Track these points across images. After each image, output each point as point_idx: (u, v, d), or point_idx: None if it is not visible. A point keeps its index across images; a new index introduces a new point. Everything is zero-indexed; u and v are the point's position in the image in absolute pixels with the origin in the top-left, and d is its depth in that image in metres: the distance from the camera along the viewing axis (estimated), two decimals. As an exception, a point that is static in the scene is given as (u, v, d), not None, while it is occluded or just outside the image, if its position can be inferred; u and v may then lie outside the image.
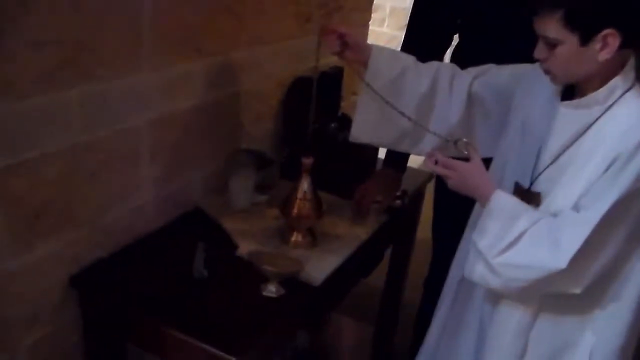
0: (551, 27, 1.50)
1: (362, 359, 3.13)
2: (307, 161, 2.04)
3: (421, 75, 1.96)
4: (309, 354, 2.96)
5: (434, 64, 2.00)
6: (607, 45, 1.47)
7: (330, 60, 2.91)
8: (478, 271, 1.67)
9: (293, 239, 2.09)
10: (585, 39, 1.48)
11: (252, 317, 1.75)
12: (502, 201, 1.64)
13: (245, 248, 1.99)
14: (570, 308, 1.69)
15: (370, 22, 3.57)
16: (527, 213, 1.62)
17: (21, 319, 1.74)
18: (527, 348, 1.75)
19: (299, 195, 2.04)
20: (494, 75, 1.94)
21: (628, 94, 1.55)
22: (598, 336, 1.69)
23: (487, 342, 1.81)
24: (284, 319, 1.79)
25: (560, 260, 1.52)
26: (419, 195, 2.82)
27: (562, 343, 1.73)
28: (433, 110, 1.98)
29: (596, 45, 1.48)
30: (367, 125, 2.02)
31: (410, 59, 1.99)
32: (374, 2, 3.67)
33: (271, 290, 1.82)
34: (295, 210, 2.04)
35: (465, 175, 1.69)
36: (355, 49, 1.92)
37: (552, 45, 1.53)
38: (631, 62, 1.57)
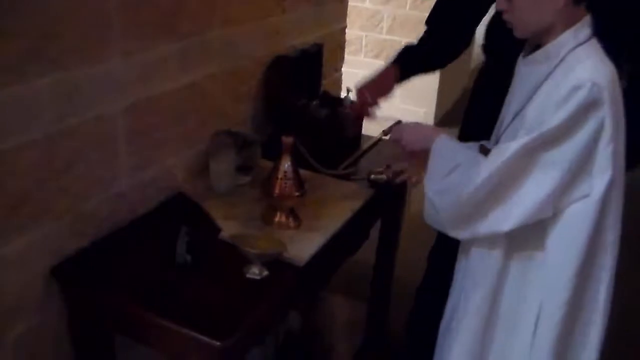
0: None
1: (356, 337, 3.12)
2: (287, 140, 2.02)
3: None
4: (301, 335, 2.95)
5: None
6: None
7: (309, 39, 2.90)
8: (426, 211, 1.78)
9: (276, 219, 2.07)
10: None
11: (235, 300, 1.74)
12: (443, 143, 1.78)
13: (228, 231, 1.97)
14: (525, 267, 1.76)
15: (350, -1, 3.54)
16: (465, 151, 1.74)
17: (4, 312, 1.72)
18: (495, 303, 1.81)
19: (280, 175, 2.02)
20: None
21: (579, 48, 1.60)
22: (545, 291, 1.72)
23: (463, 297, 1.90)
24: (268, 301, 1.77)
25: (475, 182, 1.62)
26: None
27: (521, 298, 1.78)
28: None
29: None
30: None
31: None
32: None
33: (254, 272, 1.80)
34: (276, 191, 2.02)
35: (411, 132, 1.88)
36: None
37: None
38: (586, 19, 1.63)
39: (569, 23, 1.61)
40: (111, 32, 1.84)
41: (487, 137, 1.95)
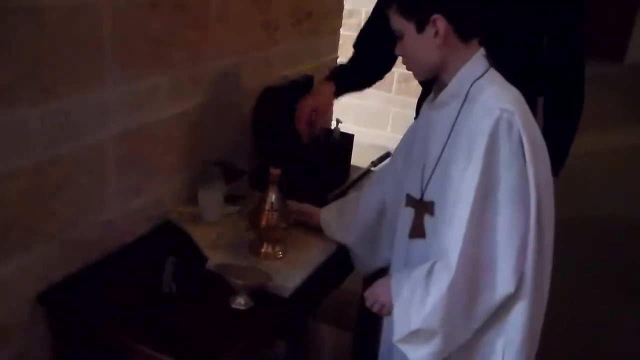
0: (394, 20, 1.69)
1: (342, 367, 3.11)
2: (275, 172, 2.03)
3: (368, 220, 2.13)
4: (288, 364, 2.94)
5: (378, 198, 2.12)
6: (438, 30, 1.62)
7: (300, 70, 2.92)
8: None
9: (263, 250, 2.08)
10: (420, 26, 1.63)
11: (220, 330, 1.74)
12: (398, 283, 1.78)
13: (215, 260, 1.98)
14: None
15: (342, 29, 3.57)
16: (405, 279, 1.74)
17: (-10, 337, 1.72)
18: None
19: (267, 206, 2.03)
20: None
21: (479, 81, 1.66)
22: (506, 336, 1.72)
23: None
24: (253, 332, 1.78)
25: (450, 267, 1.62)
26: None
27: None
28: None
29: (431, 30, 1.63)
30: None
31: (356, 210, 2.16)
32: (349, 7, 3.68)
33: (240, 302, 1.81)
34: (263, 222, 2.04)
35: (373, 292, 1.88)
36: (307, 215, 2.22)
37: (401, 37, 1.70)
38: (480, 51, 1.68)
39: (463, 60, 1.67)
40: (103, 60, 1.86)
41: None
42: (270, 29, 2.72)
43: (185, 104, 2.27)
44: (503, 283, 1.62)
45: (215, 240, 2.14)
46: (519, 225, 1.60)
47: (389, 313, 1.78)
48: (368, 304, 1.88)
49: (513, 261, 1.61)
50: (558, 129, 2.25)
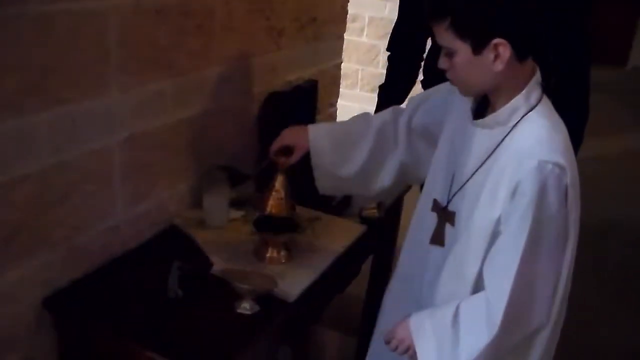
0: (444, 36, 1.52)
1: (346, 372, 3.11)
2: (284, 161, 2.04)
3: (362, 141, 2.03)
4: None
5: (373, 123, 2.04)
6: (499, 55, 1.48)
7: (305, 74, 2.93)
8: None
9: (268, 254, 2.09)
10: (477, 48, 1.48)
11: (226, 335, 1.75)
12: (419, 322, 1.69)
13: (220, 265, 1.99)
14: None
15: (346, 33, 3.58)
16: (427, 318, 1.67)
17: (-6, 342, 1.73)
18: None
19: (274, 192, 2.04)
20: (430, 102, 1.96)
21: (531, 113, 1.55)
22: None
23: None
24: (258, 336, 1.79)
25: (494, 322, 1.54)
26: (397, 205, 2.83)
27: None
28: (384, 160, 2.04)
29: (489, 54, 1.48)
30: (326, 186, 2.11)
31: (345, 129, 2.08)
32: (353, 12, 3.68)
33: (245, 307, 1.81)
34: (269, 206, 2.05)
35: (395, 335, 1.74)
36: (296, 146, 2.05)
37: (451, 54, 1.54)
38: (536, 77, 1.57)
39: (517, 81, 1.55)
40: (109, 67, 1.87)
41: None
42: (275, 34, 2.73)
43: (190, 109, 2.28)
44: (538, 319, 1.60)
45: (220, 245, 2.15)
46: (558, 266, 1.58)
47: (415, 353, 1.69)
48: (392, 347, 1.76)
49: (549, 299, 1.59)
50: None
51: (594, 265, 4.36)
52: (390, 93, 2.80)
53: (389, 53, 2.92)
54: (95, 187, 1.93)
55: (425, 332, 1.65)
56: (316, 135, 2.04)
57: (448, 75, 1.61)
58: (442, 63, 1.58)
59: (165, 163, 2.21)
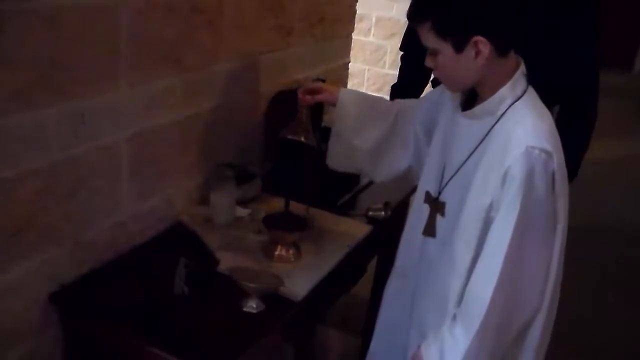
0: (428, 37, 1.59)
1: (349, 372, 3.11)
2: (310, 98, 2.08)
3: (382, 118, 2.08)
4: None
5: (395, 105, 2.11)
6: (480, 51, 1.54)
7: (312, 73, 2.93)
8: None
9: (277, 252, 2.08)
10: (458, 46, 1.56)
11: (232, 333, 1.75)
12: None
13: (226, 263, 1.98)
14: None
15: (354, 33, 3.58)
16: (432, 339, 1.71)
17: (2, 337, 1.73)
18: None
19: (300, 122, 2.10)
20: (427, 104, 2.03)
21: (517, 103, 1.61)
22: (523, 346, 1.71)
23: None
24: (264, 335, 1.79)
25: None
26: (403, 205, 2.82)
27: None
28: (393, 147, 2.08)
29: (470, 51, 1.55)
30: (339, 155, 2.15)
31: (371, 103, 2.13)
32: (360, 12, 3.68)
33: (251, 306, 1.81)
34: (291, 132, 2.10)
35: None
36: (326, 91, 2.11)
37: (435, 54, 1.61)
38: (521, 69, 1.64)
39: (501, 74, 1.61)
40: (119, 63, 1.87)
41: None
42: (284, 32, 2.73)
43: (198, 106, 2.28)
44: (530, 303, 1.63)
45: (226, 242, 2.14)
46: (547, 254, 1.61)
47: None
48: None
49: (540, 286, 1.62)
50: (572, 140, 2.26)
51: (595, 265, 4.38)
52: (403, 92, 2.80)
53: (401, 53, 2.95)
54: (103, 182, 1.93)
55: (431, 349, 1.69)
56: (346, 96, 2.10)
57: (434, 73, 1.69)
58: (429, 62, 1.67)
59: (172, 159, 2.21)
